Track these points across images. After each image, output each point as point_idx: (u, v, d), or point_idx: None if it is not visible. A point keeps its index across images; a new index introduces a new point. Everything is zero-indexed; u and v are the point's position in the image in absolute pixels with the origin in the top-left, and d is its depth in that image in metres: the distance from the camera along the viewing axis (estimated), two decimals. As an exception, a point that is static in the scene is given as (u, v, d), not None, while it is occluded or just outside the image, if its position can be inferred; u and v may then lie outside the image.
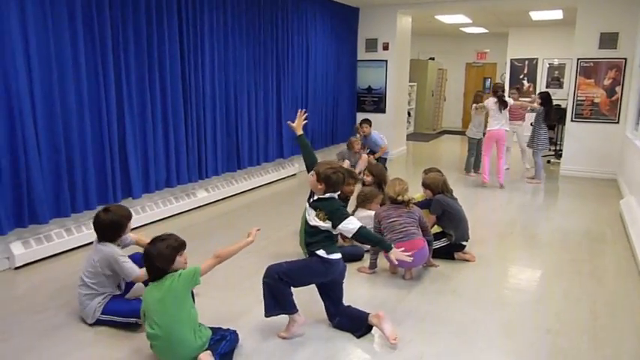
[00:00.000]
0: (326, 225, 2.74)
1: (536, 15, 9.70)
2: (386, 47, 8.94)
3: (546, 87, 11.29)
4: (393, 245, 3.04)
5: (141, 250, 2.95)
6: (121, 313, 2.89)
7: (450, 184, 4.26)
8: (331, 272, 2.82)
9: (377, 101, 9.19)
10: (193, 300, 2.60)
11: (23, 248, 3.85)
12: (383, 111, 9.11)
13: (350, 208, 4.45)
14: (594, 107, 7.47)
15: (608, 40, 7.20)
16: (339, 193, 2.88)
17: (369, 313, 2.88)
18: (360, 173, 5.77)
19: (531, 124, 7.34)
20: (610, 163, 7.41)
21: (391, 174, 4.74)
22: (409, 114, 12.26)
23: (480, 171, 7.45)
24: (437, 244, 3.97)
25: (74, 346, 2.74)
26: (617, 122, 7.32)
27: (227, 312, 3.12)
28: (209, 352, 2.49)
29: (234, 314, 3.09)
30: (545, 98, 7.08)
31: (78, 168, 4.16)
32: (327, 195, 2.78)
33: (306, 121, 3.33)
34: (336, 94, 8.59)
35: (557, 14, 9.46)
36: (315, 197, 2.82)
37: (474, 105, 7.37)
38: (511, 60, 11.88)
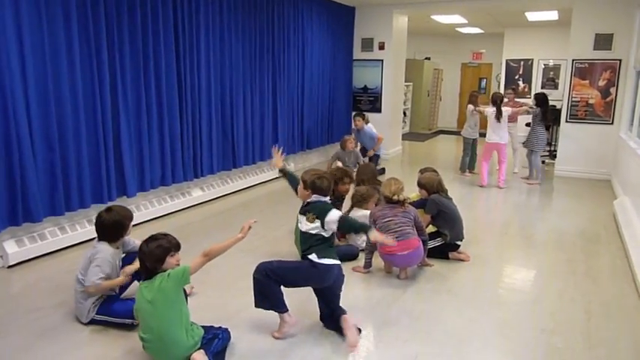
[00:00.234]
0: (315, 225, 2.75)
1: (531, 16, 9.73)
2: (382, 47, 8.94)
3: (541, 88, 11.33)
4: (373, 227, 3.00)
5: None
6: (115, 314, 2.87)
7: (446, 183, 4.27)
8: (322, 278, 2.77)
9: (373, 101, 9.20)
10: (186, 299, 2.58)
11: (17, 247, 3.83)
12: (379, 110, 9.11)
13: (345, 207, 4.47)
14: (589, 108, 7.50)
15: (603, 41, 7.23)
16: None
17: (344, 314, 2.84)
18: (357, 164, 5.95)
19: (527, 125, 7.36)
20: (604, 163, 7.44)
21: (386, 174, 4.75)
22: (405, 114, 12.27)
23: (476, 171, 7.48)
24: (432, 244, 3.98)
25: (70, 345, 2.73)
26: (612, 123, 7.36)
27: (222, 311, 3.11)
28: (202, 351, 2.48)
29: (229, 313, 3.08)
30: (542, 99, 7.10)
31: (72, 167, 4.14)
32: (314, 198, 2.84)
33: (283, 155, 3.64)
34: (331, 93, 8.59)
35: (552, 15, 9.49)
36: (305, 202, 2.89)
37: (471, 106, 7.37)
38: (506, 60, 11.92)
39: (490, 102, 6.90)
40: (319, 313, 2.95)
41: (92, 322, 2.90)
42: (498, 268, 4.06)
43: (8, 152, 3.66)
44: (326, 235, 2.79)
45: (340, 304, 2.90)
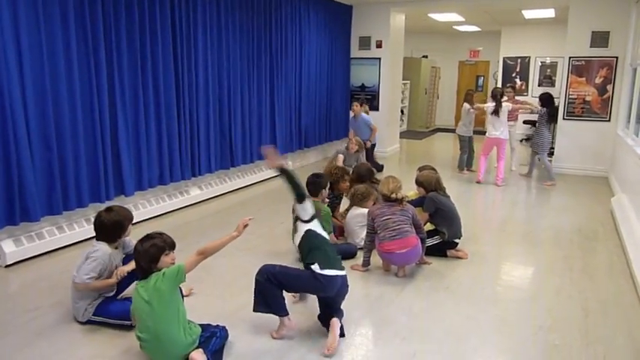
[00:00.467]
0: (298, 226, 2.83)
1: (528, 13, 9.75)
2: (379, 45, 8.94)
3: (538, 85, 11.36)
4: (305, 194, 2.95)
5: None
6: (113, 315, 2.86)
7: (444, 181, 4.28)
8: (324, 289, 2.73)
9: (370, 99, 9.19)
10: (182, 297, 2.57)
11: (14, 246, 3.82)
12: (376, 109, 9.11)
13: (344, 206, 4.47)
14: (586, 105, 7.51)
15: (600, 38, 7.24)
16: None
17: (339, 316, 2.81)
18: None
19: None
20: (601, 160, 7.46)
21: (384, 172, 4.75)
22: (402, 112, 12.28)
23: (474, 168, 7.48)
24: (430, 242, 3.98)
25: (67, 345, 2.73)
26: (609, 120, 7.37)
27: (221, 309, 3.12)
28: (200, 350, 2.48)
29: (227, 312, 3.08)
30: (547, 99, 7.07)
31: (70, 166, 4.13)
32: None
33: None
34: (329, 91, 8.59)
35: (549, 13, 9.51)
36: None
37: (467, 105, 7.38)
38: (504, 58, 11.93)
39: (490, 97, 6.91)
40: (318, 313, 2.95)
41: (89, 322, 2.89)
42: (496, 265, 4.07)
43: (6, 151, 3.65)
44: (308, 231, 2.84)
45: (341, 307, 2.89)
